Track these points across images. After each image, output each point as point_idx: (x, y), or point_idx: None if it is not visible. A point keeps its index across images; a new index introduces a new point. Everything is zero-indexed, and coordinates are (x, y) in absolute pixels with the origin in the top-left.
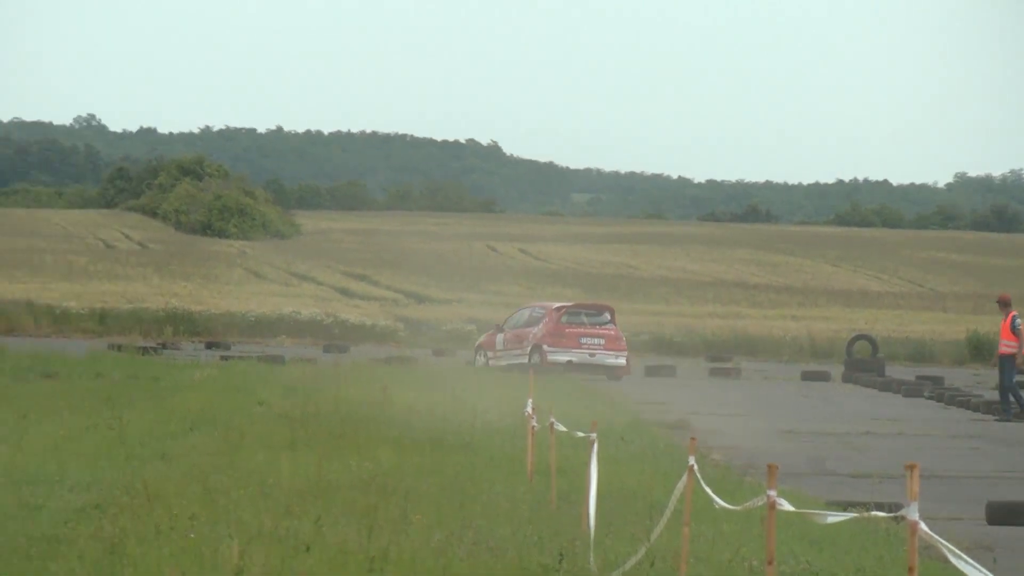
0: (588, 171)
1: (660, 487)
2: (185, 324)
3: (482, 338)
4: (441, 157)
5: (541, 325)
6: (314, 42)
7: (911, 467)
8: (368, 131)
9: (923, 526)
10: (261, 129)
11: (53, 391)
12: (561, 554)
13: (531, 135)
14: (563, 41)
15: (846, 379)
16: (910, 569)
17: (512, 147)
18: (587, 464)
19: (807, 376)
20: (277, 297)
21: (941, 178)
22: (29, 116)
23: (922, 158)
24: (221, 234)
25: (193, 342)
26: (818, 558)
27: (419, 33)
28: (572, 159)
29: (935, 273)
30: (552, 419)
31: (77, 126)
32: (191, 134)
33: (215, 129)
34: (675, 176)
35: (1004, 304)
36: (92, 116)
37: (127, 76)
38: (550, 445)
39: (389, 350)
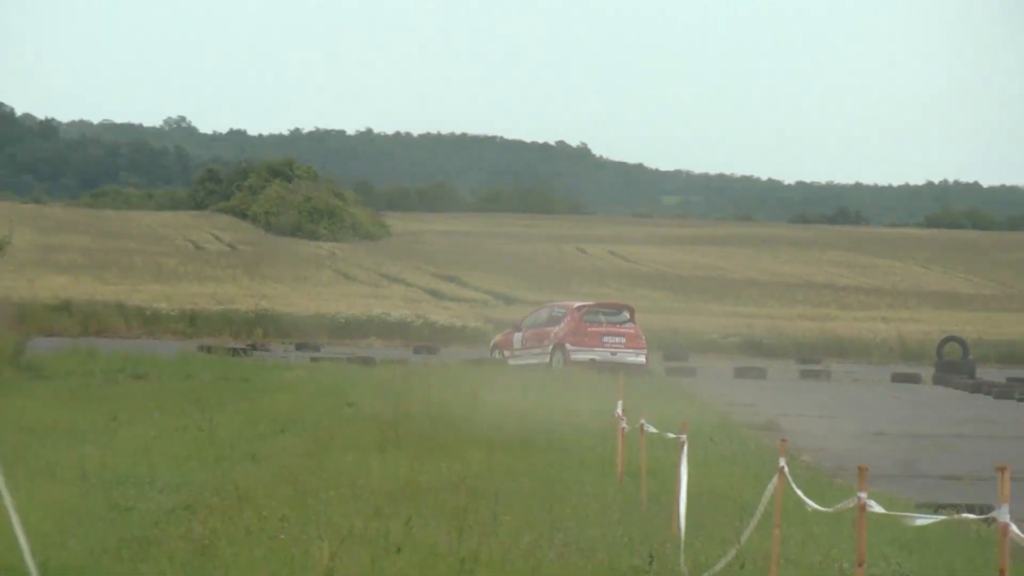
0: (678, 173)
1: (750, 489)
2: (275, 326)
3: (498, 337)
4: (530, 159)
5: (563, 324)
6: (405, 44)
7: (1002, 469)
8: (457, 133)
9: (1014, 528)
10: (351, 131)
11: (143, 392)
12: (651, 556)
13: (620, 137)
14: (653, 43)
15: (936, 381)
16: (1001, 571)
17: (601, 149)
18: (677, 465)
19: (897, 378)
20: (367, 299)
21: None
22: (120, 118)
23: (1013, 160)
24: (311, 236)
25: (283, 343)
26: (908, 560)
27: (510, 36)
28: (662, 161)
29: None
30: (642, 420)
31: (167, 128)
32: (281, 136)
33: (305, 131)
34: (765, 178)
35: None
36: (182, 118)
37: (217, 78)
38: (640, 446)
39: (480, 352)
